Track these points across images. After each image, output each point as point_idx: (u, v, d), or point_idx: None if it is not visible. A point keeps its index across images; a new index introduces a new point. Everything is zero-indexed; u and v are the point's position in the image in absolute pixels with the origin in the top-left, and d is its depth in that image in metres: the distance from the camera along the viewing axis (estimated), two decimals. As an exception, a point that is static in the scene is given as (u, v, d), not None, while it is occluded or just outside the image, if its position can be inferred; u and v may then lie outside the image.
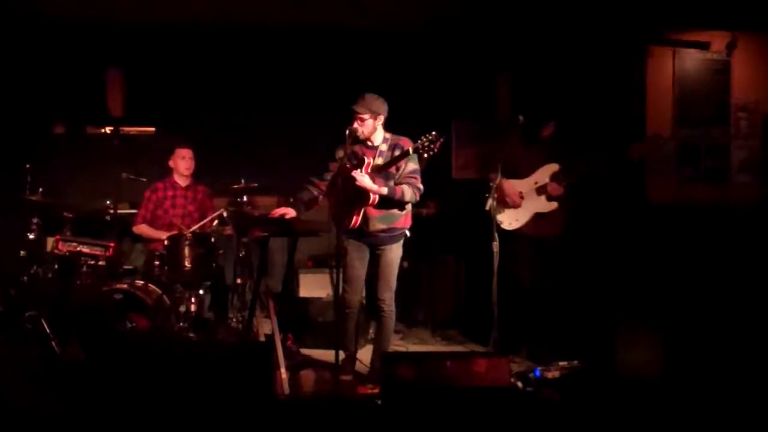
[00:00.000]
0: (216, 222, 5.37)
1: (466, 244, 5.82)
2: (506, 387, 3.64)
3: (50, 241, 5.28)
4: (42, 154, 6.01)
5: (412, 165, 4.28)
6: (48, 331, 4.48)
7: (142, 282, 5.03)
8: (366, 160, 4.24)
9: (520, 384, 4.22)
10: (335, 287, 4.72)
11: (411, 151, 4.09)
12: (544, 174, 4.90)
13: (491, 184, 4.63)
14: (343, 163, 4.23)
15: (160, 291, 4.96)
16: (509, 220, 4.92)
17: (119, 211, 5.72)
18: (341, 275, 4.36)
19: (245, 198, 5.50)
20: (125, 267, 5.52)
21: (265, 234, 4.41)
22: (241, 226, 5.13)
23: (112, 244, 5.14)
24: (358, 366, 4.67)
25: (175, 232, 5.15)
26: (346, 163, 4.26)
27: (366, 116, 4.25)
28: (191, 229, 5.12)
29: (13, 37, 6.24)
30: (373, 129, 4.30)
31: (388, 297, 4.43)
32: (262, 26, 6.29)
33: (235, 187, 5.48)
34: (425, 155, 4.05)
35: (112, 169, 5.68)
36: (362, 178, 4.14)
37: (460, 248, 6.18)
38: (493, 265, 4.39)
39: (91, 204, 5.79)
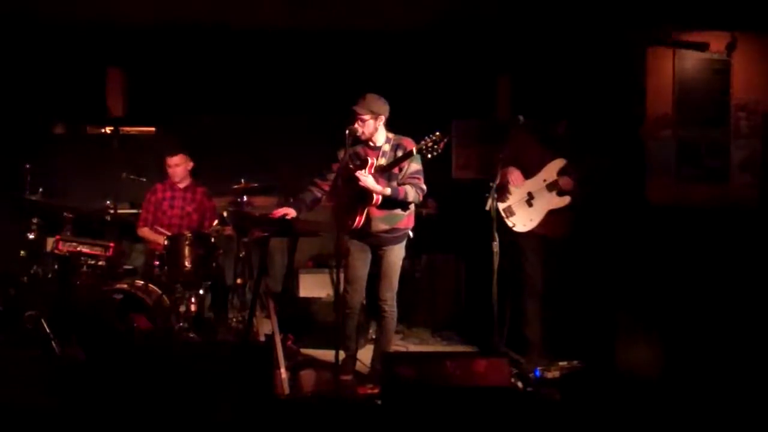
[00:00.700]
0: (216, 222, 5.37)
1: (466, 244, 5.82)
2: (506, 387, 3.65)
3: (50, 241, 5.28)
4: (42, 154, 6.00)
5: (415, 165, 4.28)
6: (48, 331, 4.48)
7: (142, 282, 5.02)
8: (369, 161, 4.24)
9: (520, 384, 4.22)
10: (335, 287, 4.72)
11: (414, 151, 4.09)
12: (551, 170, 4.86)
13: (491, 184, 4.63)
14: (345, 163, 4.23)
15: (160, 291, 4.97)
16: (523, 221, 4.85)
17: (119, 211, 5.72)
18: (343, 275, 4.37)
19: (245, 198, 5.50)
20: (125, 267, 5.53)
21: (266, 234, 4.41)
22: (241, 226, 5.13)
23: (112, 244, 5.14)
24: (358, 366, 4.67)
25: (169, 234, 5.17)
26: (349, 163, 4.27)
27: (366, 117, 4.25)
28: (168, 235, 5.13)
29: (13, 37, 6.24)
30: (374, 129, 4.29)
31: (390, 297, 4.43)
32: (263, 26, 6.29)
33: (235, 187, 5.48)
34: (429, 155, 4.05)
35: (112, 169, 5.68)
36: (366, 178, 4.14)
37: (460, 248, 6.18)
38: (493, 265, 4.38)
39: (91, 204, 5.79)
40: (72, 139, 6.44)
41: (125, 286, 4.93)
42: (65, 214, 5.28)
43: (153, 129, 6.41)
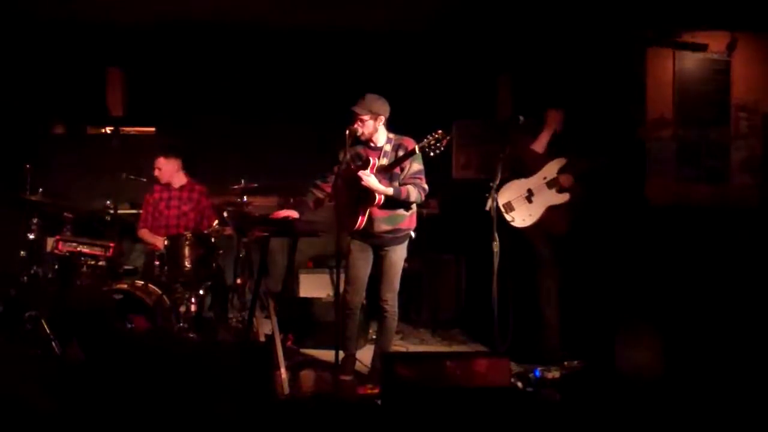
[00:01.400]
0: (216, 222, 5.37)
1: (467, 244, 5.82)
2: (506, 387, 3.65)
3: (50, 241, 5.28)
4: (42, 154, 6.02)
5: (417, 165, 4.28)
6: (48, 331, 4.48)
7: (142, 282, 5.03)
8: (371, 161, 4.24)
9: (520, 384, 4.22)
10: (335, 287, 4.72)
11: (417, 150, 4.09)
12: (552, 168, 4.94)
13: (491, 184, 4.63)
14: (347, 164, 4.23)
15: (160, 291, 4.97)
16: (522, 216, 4.91)
17: (119, 211, 5.73)
18: (343, 276, 4.37)
19: (245, 198, 5.50)
20: (125, 267, 5.53)
21: (266, 234, 4.41)
22: (241, 226, 5.13)
23: (112, 244, 5.14)
24: (358, 366, 4.67)
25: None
26: (351, 164, 4.26)
27: (366, 117, 4.24)
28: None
29: (13, 37, 6.24)
30: (373, 129, 4.29)
31: (391, 298, 4.43)
32: (263, 26, 6.29)
33: (235, 187, 5.48)
34: (431, 154, 4.05)
35: (112, 169, 5.68)
36: (368, 178, 4.14)
37: (460, 248, 6.18)
38: (493, 265, 4.38)
39: (91, 204, 5.80)
40: (72, 139, 6.44)
41: (125, 286, 4.93)
42: (65, 214, 5.29)
43: (153, 129, 6.42)
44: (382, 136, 4.34)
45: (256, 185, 5.50)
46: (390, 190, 4.19)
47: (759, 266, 5.06)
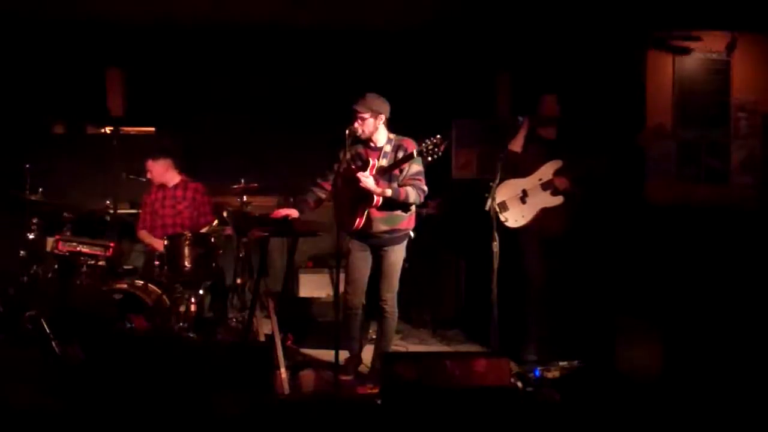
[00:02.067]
0: (216, 222, 5.37)
1: (466, 244, 5.82)
2: (506, 387, 3.65)
3: (50, 241, 5.28)
4: (42, 154, 6.01)
5: (416, 166, 4.28)
6: (48, 331, 4.48)
7: (141, 282, 5.03)
8: (371, 162, 4.24)
9: (520, 384, 4.22)
10: (335, 287, 4.72)
11: (415, 153, 4.09)
12: (547, 170, 4.91)
13: (491, 184, 4.64)
14: (347, 164, 4.23)
15: (160, 291, 4.97)
16: (515, 217, 4.91)
17: (119, 211, 5.73)
18: (343, 276, 4.37)
19: (245, 198, 5.50)
20: (125, 267, 5.53)
21: (265, 234, 4.41)
22: (241, 226, 5.13)
23: (112, 244, 5.14)
24: (359, 366, 4.68)
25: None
26: (350, 164, 4.26)
27: (366, 115, 4.24)
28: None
29: (13, 37, 6.24)
30: (374, 128, 4.29)
31: (390, 298, 4.43)
32: (262, 26, 6.29)
33: (235, 187, 5.48)
34: (429, 159, 4.04)
35: (112, 169, 5.68)
36: (366, 179, 4.14)
37: (460, 248, 6.18)
38: (493, 265, 4.39)
39: (91, 204, 5.79)
40: (72, 139, 6.44)
41: (125, 286, 4.93)
42: (65, 214, 5.28)
43: (153, 129, 6.41)
44: (382, 136, 4.34)
45: (256, 185, 5.49)
46: (388, 192, 4.19)
47: (759, 266, 5.06)
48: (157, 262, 5.07)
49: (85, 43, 6.35)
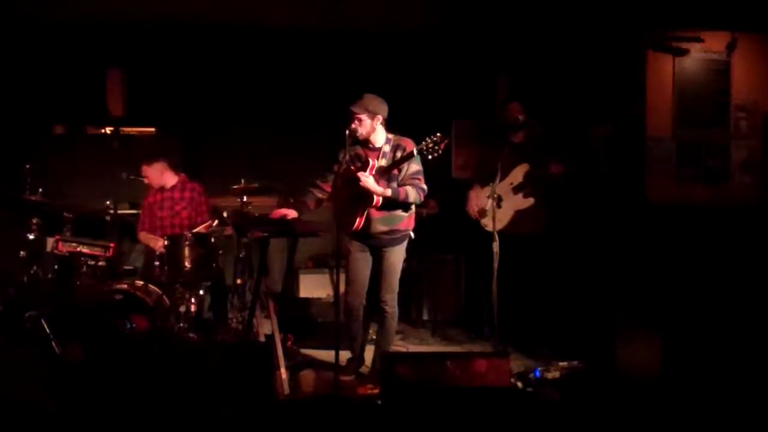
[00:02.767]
0: (216, 222, 5.37)
1: (466, 244, 5.82)
2: (506, 387, 3.65)
3: (50, 241, 5.28)
4: (42, 154, 6.01)
5: (415, 166, 4.27)
6: (48, 331, 4.47)
7: (142, 282, 5.03)
8: (370, 162, 4.23)
9: (520, 384, 4.22)
10: (335, 287, 4.72)
11: (415, 152, 4.09)
12: (518, 174, 5.08)
13: (491, 184, 4.66)
14: (346, 165, 4.23)
15: (160, 291, 4.97)
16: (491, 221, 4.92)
17: (119, 211, 5.72)
18: (344, 277, 4.37)
19: (245, 198, 5.50)
20: (125, 267, 5.53)
21: (265, 234, 4.40)
22: (241, 226, 5.13)
23: (112, 244, 5.14)
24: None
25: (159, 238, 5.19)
26: (350, 165, 4.26)
27: (363, 116, 4.24)
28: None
29: (13, 37, 6.24)
30: (371, 129, 4.29)
31: (390, 298, 4.42)
32: (262, 26, 6.30)
33: (235, 187, 5.48)
34: (429, 156, 4.04)
35: (112, 169, 5.68)
36: (366, 180, 4.14)
37: (460, 248, 6.18)
38: (493, 265, 4.39)
39: (91, 204, 5.78)
40: (72, 139, 6.43)
41: (125, 286, 4.93)
42: (65, 214, 5.28)
43: (153, 129, 6.41)
44: (380, 137, 4.34)
45: (256, 185, 5.49)
46: (388, 192, 4.19)
47: (759, 266, 5.06)
48: (157, 263, 5.06)
49: (85, 43, 6.35)
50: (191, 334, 4.83)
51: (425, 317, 6.17)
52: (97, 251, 5.08)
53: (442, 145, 3.99)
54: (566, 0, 5.48)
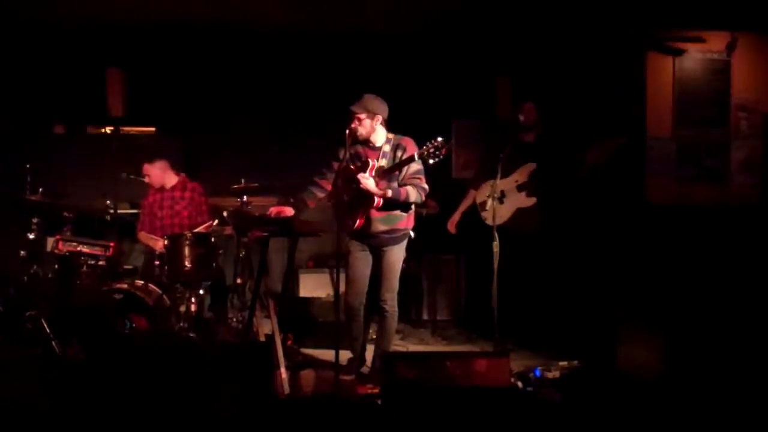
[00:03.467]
0: (216, 222, 5.36)
1: (466, 244, 5.83)
2: (506, 387, 3.65)
3: (50, 241, 5.28)
4: (42, 154, 6.01)
5: (415, 165, 4.26)
6: (48, 331, 4.47)
7: (142, 282, 5.02)
8: (370, 163, 4.23)
9: (520, 384, 4.22)
10: (336, 287, 4.72)
11: (416, 156, 4.09)
12: (523, 172, 5.07)
13: (491, 184, 4.67)
14: (346, 164, 4.23)
15: (160, 291, 4.97)
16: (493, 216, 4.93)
17: (119, 211, 5.73)
18: (343, 276, 4.36)
19: (245, 198, 5.50)
20: (125, 267, 5.52)
21: (265, 234, 4.40)
22: (241, 226, 5.13)
23: (112, 244, 5.14)
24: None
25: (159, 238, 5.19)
26: (350, 164, 4.26)
27: (363, 115, 4.24)
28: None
29: (13, 37, 6.24)
30: (371, 129, 4.29)
31: (390, 298, 4.42)
32: (262, 27, 6.30)
33: (235, 187, 5.48)
34: (431, 161, 4.04)
35: (112, 169, 5.68)
36: (367, 181, 4.14)
37: (460, 248, 6.18)
38: (493, 265, 4.39)
39: (91, 204, 5.79)
40: (72, 139, 6.43)
41: (125, 286, 4.92)
42: (65, 214, 5.28)
43: (153, 129, 6.41)
44: (380, 136, 4.34)
45: (256, 185, 5.49)
46: (389, 192, 4.19)
47: (759, 266, 5.06)
48: (157, 262, 5.06)
49: (85, 43, 6.35)
50: (191, 334, 4.83)
51: (425, 317, 6.17)
52: (97, 251, 5.08)
53: (443, 150, 3.98)
54: (566, 0, 5.48)
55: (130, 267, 5.62)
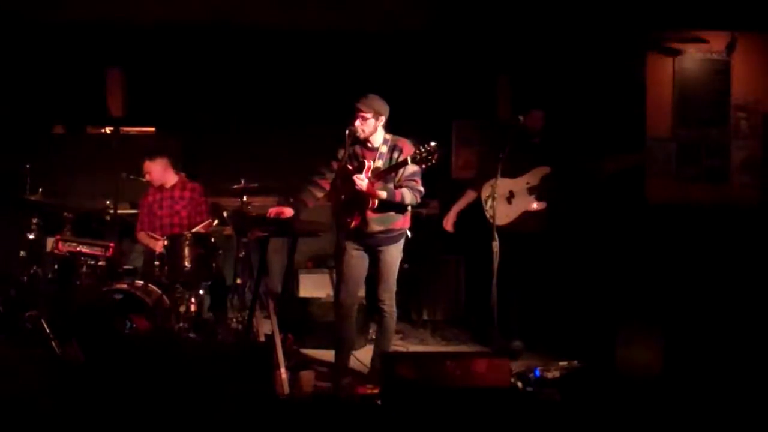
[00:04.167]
0: (216, 222, 5.36)
1: (466, 244, 5.83)
2: (506, 387, 3.64)
3: (50, 241, 5.28)
4: (42, 154, 6.01)
5: (412, 167, 4.27)
6: (48, 331, 4.48)
7: (142, 282, 5.02)
8: (366, 164, 4.24)
9: (520, 384, 4.22)
10: (335, 287, 4.72)
11: (409, 160, 4.10)
12: (535, 176, 5.01)
13: (491, 184, 4.66)
14: (344, 164, 4.23)
15: (160, 291, 4.97)
16: (499, 215, 4.88)
17: (119, 211, 5.72)
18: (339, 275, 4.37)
19: (245, 198, 5.50)
20: (125, 267, 5.52)
21: (265, 234, 4.40)
22: (241, 226, 5.13)
23: (112, 244, 5.14)
24: (358, 366, 4.67)
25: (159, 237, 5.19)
26: (348, 164, 4.27)
27: (368, 115, 4.24)
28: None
29: (13, 37, 6.24)
30: (373, 129, 4.29)
31: (388, 298, 4.42)
32: (262, 27, 6.30)
33: (235, 187, 5.48)
34: (423, 165, 4.07)
35: (112, 169, 5.68)
36: (361, 183, 4.14)
37: (460, 248, 6.18)
38: (493, 265, 4.39)
39: (91, 204, 5.79)
40: (72, 139, 6.44)
41: (125, 286, 4.93)
42: (65, 214, 5.28)
43: (153, 129, 6.41)
44: (379, 137, 4.34)
45: (256, 185, 5.49)
46: (383, 194, 4.19)
47: (759, 266, 5.06)
48: (157, 263, 5.06)
49: (85, 43, 6.35)
50: (191, 334, 4.83)
51: (425, 317, 6.17)
52: (96, 251, 5.08)
53: (436, 156, 4.00)
54: (566, 0, 5.48)
55: (129, 267, 5.62)
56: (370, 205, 4.21)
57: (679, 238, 5.31)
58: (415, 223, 4.52)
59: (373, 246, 4.38)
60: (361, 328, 5.35)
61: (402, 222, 4.37)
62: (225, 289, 5.54)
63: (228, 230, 5.43)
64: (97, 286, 4.96)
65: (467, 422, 3.42)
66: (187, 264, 4.97)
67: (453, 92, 6.56)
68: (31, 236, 5.27)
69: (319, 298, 5.70)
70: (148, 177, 5.49)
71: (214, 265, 5.16)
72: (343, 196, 4.26)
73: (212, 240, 5.15)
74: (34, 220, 5.29)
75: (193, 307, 4.97)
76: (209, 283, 5.27)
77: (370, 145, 4.34)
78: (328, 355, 4.64)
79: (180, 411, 3.45)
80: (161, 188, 5.53)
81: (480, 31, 6.24)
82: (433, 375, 3.53)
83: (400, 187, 4.26)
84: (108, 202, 5.66)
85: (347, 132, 4.16)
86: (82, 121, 6.42)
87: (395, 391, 3.52)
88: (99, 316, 4.67)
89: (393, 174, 4.26)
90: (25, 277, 5.21)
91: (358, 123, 4.23)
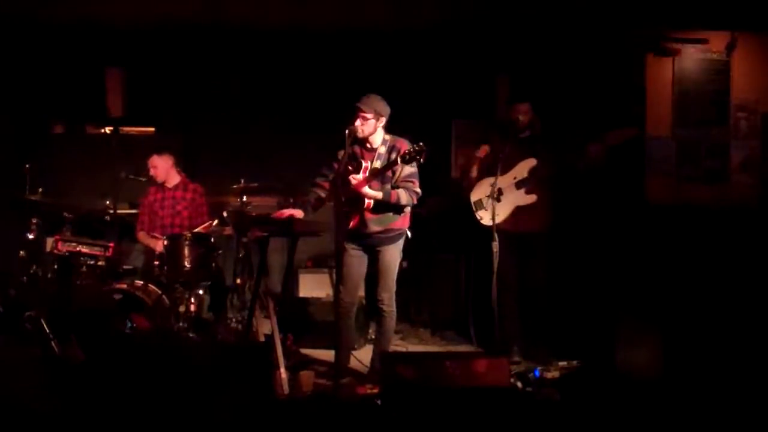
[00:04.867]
0: (216, 222, 5.37)
1: (466, 244, 5.83)
2: (506, 387, 3.65)
3: (50, 241, 5.28)
4: (42, 154, 6.02)
5: (409, 168, 4.27)
6: (48, 331, 4.47)
7: (141, 282, 5.03)
8: (363, 164, 4.25)
9: (519, 384, 4.22)
10: (335, 287, 4.72)
11: (399, 160, 4.11)
12: (522, 169, 4.95)
13: (492, 185, 4.66)
14: (344, 164, 4.23)
15: (159, 291, 4.97)
16: (490, 215, 4.87)
17: (119, 211, 5.73)
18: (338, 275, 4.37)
19: (245, 198, 5.50)
20: (125, 267, 5.53)
21: (265, 234, 4.41)
22: (241, 226, 5.13)
23: (111, 244, 5.15)
24: (358, 366, 4.67)
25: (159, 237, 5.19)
26: (347, 164, 4.27)
27: (369, 115, 4.25)
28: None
29: (13, 37, 6.24)
30: (374, 129, 4.30)
31: (387, 297, 4.42)
32: (262, 26, 6.29)
33: (235, 187, 5.48)
34: (410, 164, 4.11)
35: (112, 169, 5.68)
36: (357, 183, 4.15)
37: (460, 248, 6.18)
38: (493, 265, 4.39)
39: (91, 204, 5.79)
40: (72, 139, 6.44)
41: (125, 286, 4.93)
42: (65, 214, 5.28)
43: (153, 129, 6.41)
44: (378, 138, 4.35)
45: (256, 185, 5.49)
46: (379, 195, 4.20)
47: (758, 266, 5.06)
48: (157, 262, 5.06)
49: (85, 43, 6.35)
50: (191, 334, 4.83)
51: (425, 317, 6.17)
52: (96, 251, 5.09)
53: (423, 156, 4.02)
54: (566, 0, 5.48)
55: (130, 267, 5.63)
56: (366, 206, 4.22)
57: (678, 238, 5.30)
58: (415, 223, 4.52)
59: (372, 246, 4.38)
60: (361, 328, 5.36)
61: (401, 222, 4.38)
62: (225, 289, 5.54)
63: (228, 230, 5.43)
64: (97, 286, 4.97)
65: (467, 422, 3.42)
66: (186, 264, 4.97)
67: (453, 92, 6.56)
68: (31, 236, 5.27)
69: (319, 298, 5.70)
70: (153, 171, 5.50)
71: (213, 265, 5.16)
72: (342, 197, 4.27)
73: (212, 240, 5.15)
74: (34, 220, 5.29)
75: (192, 307, 4.97)
76: (209, 283, 5.27)
77: (369, 145, 4.35)
78: (327, 355, 4.64)
79: (180, 411, 3.45)
80: (163, 188, 5.54)
81: (480, 31, 6.24)
82: (432, 375, 3.53)
83: (397, 187, 4.26)
84: (108, 202, 5.66)
85: (347, 132, 4.16)
86: (82, 121, 6.42)
87: (395, 391, 3.53)
88: (99, 316, 4.67)
89: (389, 174, 4.27)
90: (25, 277, 5.21)
91: (358, 123, 4.24)
